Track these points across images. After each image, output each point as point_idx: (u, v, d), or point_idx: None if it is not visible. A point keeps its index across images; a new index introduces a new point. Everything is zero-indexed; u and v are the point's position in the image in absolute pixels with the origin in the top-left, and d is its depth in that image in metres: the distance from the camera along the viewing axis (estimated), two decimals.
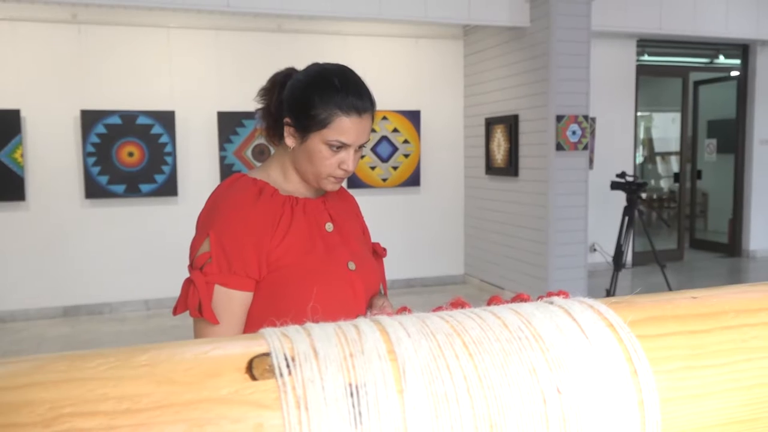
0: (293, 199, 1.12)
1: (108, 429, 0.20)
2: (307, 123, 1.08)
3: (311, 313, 1.00)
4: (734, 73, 7.09)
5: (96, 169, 4.96)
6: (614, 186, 5.03)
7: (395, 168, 5.66)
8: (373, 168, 5.60)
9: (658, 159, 9.84)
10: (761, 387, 0.27)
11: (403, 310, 0.29)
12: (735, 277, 6.50)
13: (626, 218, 5.02)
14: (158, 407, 0.21)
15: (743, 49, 6.85)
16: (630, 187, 4.92)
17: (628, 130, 6.37)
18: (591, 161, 5.78)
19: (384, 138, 5.60)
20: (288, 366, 0.23)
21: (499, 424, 0.24)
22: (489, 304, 0.30)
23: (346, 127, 1.07)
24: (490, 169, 5.37)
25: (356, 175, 5.50)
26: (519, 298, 0.31)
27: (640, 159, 8.51)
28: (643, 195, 6.09)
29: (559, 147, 4.56)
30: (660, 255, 5.56)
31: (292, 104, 1.10)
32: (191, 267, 1.06)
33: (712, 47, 6.87)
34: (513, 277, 5.18)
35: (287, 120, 1.10)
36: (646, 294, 0.31)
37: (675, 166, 8.64)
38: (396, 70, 5.65)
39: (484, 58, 5.49)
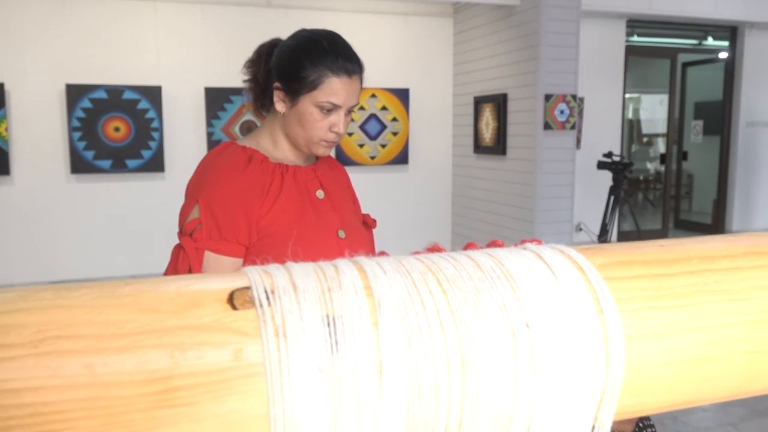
0: (283, 166, 1.12)
1: (93, 351, 0.21)
2: (298, 86, 1.08)
3: (291, 255, 1.01)
4: (722, 55, 7.12)
5: (81, 144, 4.92)
6: (601, 166, 5.06)
7: (383, 146, 5.66)
8: (361, 146, 5.59)
9: (646, 140, 9.89)
10: (720, 327, 0.29)
11: (383, 254, 0.30)
12: None
13: (612, 198, 5.06)
14: (141, 332, 0.22)
15: (732, 31, 6.87)
16: (616, 167, 4.96)
17: (615, 111, 6.39)
18: (578, 141, 5.80)
19: (372, 116, 5.59)
20: (268, 298, 0.24)
21: (470, 355, 0.25)
22: (465, 249, 0.31)
23: (336, 88, 1.08)
24: (478, 147, 5.38)
25: (344, 153, 5.49)
26: (493, 244, 0.32)
27: (628, 141, 8.55)
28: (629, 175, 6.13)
29: (547, 126, 4.57)
30: (645, 235, 5.62)
31: (281, 68, 1.10)
32: (181, 233, 1.06)
33: (701, 29, 6.88)
34: None
35: (277, 85, 1.10)
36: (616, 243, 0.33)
37: (662, 148, 8.69)
38: (385, 47, 5.62)
39: (473, 36, 5.47)
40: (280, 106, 1.10)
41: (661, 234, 6.92)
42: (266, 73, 1.11)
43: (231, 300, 0.24)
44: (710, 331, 0.29)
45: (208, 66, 5.18)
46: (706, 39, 7.07)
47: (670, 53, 7.10)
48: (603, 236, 5.10)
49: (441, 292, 0.26)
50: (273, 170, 1.10)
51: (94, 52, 4.93)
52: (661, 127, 8.75)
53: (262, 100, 1.15)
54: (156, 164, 5.09)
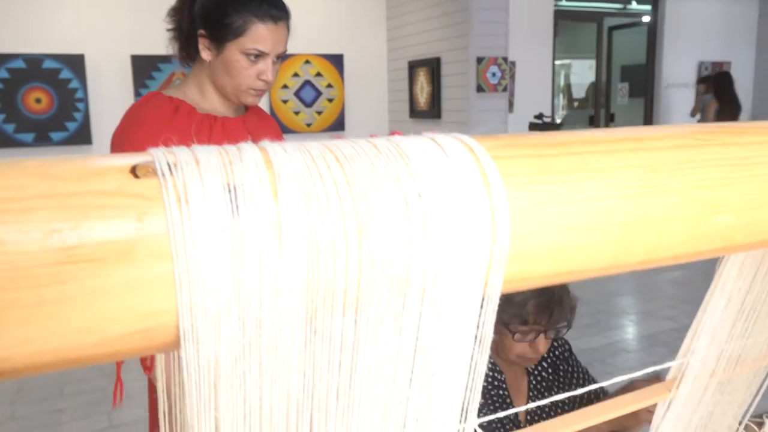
0: (211, 117, 1.11)
1: None
2: (222, 32, 1.06)
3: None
4: (646, 19, 7.35)
5: (0, 117, 4.68)
6: (532, 127, 5.19)
7: (319, 113, 5.62)
8: (297, 113, 5.53)
9: (576, 104, 10.16)
10: (597, 200, 0.32)
11: None
12: None
13: None
14: (44, 196, 0.23)
15: None
16: (546, 127, 5.09)
17: (546, 75, 6.53)
18: (511, 104, 5.91)
19: (307, 83, 5.53)
20: (170, 169, 0.25)
21: (365, 221, 0.27)
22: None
23: (262, 34, 1.07)
24: (414, 112, 5.42)
25: (280, 121, 5.43)
26: (394, 134, 0.34)
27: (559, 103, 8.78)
28: None
29: (479, 89, 4.64)
30: None
31: (205, 15, 1.08)
32: None
33: None
34: None
35: (201, 32, 1.08)
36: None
37: (591, 111, 8.95)
38: (318, 13, 5.55)
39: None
40: (205, 54, 1.09)
41: None
42: (190, 21, 1.09)
43: (134, 170, 0.25)
44: (588, 204, 0.32)
45: (135, 32, 4.99)
46: (630, 3, 7.28)
47: (597, 17, 7.29)
48: None
49: (338, 167, 0.28)
50: (201, 121, 1.08)
51: (8, 18, 4.67)
52: (588, 91, 9.00)
53: (187, 50, 1.13)
54: (82, 136, 4.90)
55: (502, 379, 1.35)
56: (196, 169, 0.25)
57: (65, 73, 4.85)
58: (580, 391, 0.50)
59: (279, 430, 0.28)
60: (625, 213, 0.33)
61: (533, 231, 0.30)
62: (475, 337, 0.32)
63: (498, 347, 1.33)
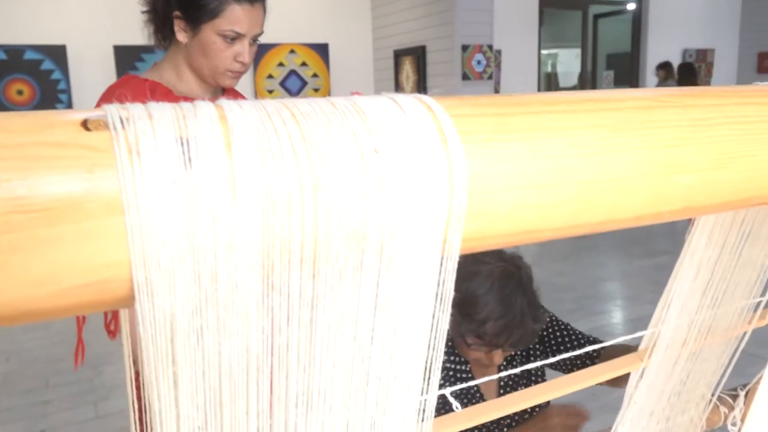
0: (188, 99, 1.10)
1: None
2: (198, 14, 1.05)
3: None
4: (630, 6, 7.37)
5: None
6: None
7: None
8: None
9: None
10: (555, 158, 0.32)
11: None
12: None
13: None
14: None
15: None
16: None
17: (532, 63, 6.54)
18: (497, 92, 5.92)
19: (292, 72, 5.50)
20: (122, 123, 0.25)
21: (321, 175, 0.27)
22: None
23: (238, 15, 1.06)
24: None
25: None
26: (355, 94, 0.34)
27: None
28: None
29: (465, 77, 4.64)
30: None
31: None
32: None
33: None
34: None
35: (177, 14, 1.07)
36: None
37: None
38: (302, 1, 5.51)
39: None
40: (181, 36, 1.08)
41: None
42: (165, 2, 1.08)
43: (85, 124, 0.25)
44: (546, 162, 0.32)
45: (117, 22, 4.94)
46: None
47: (582, 5, 7.29)
48: None
49: (294, 122, 0.28)
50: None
51: None
52: (577, 80, 9.02)
53: (162, 32, 1.12)
54: None
55: (467, 369, 1.30)
56: (148, 123, 0.25)
57: (47, 64, 4.79)
58: (536, 364, 0.51)
59: (239, 386, 0.29)
60: (584, 171, 0.33)
61: (492, 188, 0.31)
62: (437, 295, 0.32)
63: (455, 343, 1.29)
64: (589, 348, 0.59)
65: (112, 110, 0.26)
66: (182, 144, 0.25)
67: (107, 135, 0.25)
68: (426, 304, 0.32)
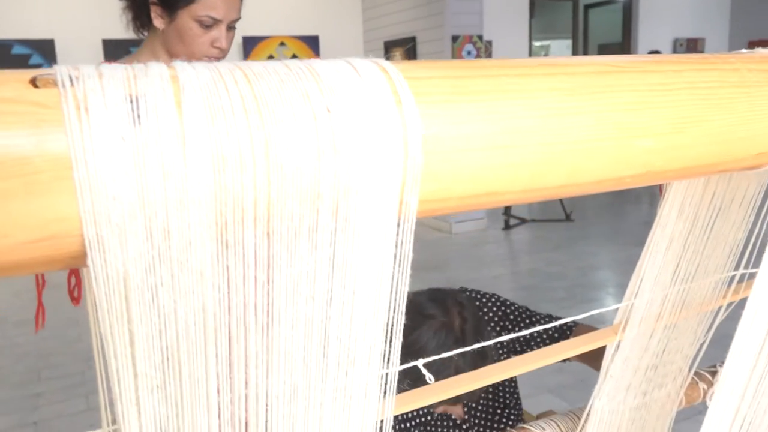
0: None
1: None
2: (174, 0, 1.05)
3: None
4: None
5: None
6: None
7: None
8: None
9: None
10: (514, 119, 0.32)
11: None
12: (623, 192, 6.94)
13: None
14: None
15: None
16: None
17: (523, 54, 6.54)
18: None
19: None
20: (71, 80, 0.25)
21: (272, 134, 0.27)
22: None
23: (214, 1, 1.06)
24: None
25: None
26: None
27: None
28: None
29: None
30: None
31: None
32: None
33: None
34: None
35: (153, 0, 1.07)
36: None
37: None
38: None
39: None
40: (158, 22, 1.08)
41: None
42: None
43: (33, 81, 0.25)
44: (504, 123, 0.32)
45: (106, 16, 4.90)
46: None
47: None
48: None
49: (246, 82, 0.28)
50: None
51: None
52: None
53: (140, 19, 1.12)
54: None
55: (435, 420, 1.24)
56: (97, 81, 0.25)
57: (35, 59, 4.76)
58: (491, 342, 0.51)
59: (197, 345, 0.29)
60: (543, 134, 0.33)
61: (449, 149, 0.31)
62: (395, 257, 0.32)
63: None
64: (550, 325, 0.59)
65: (62, 69, 0.26)
66: (131, 101, 0.25)
67: (56, 92, 0.25)
68: (385, 266, 0.32)
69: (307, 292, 0.31)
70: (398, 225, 0.32)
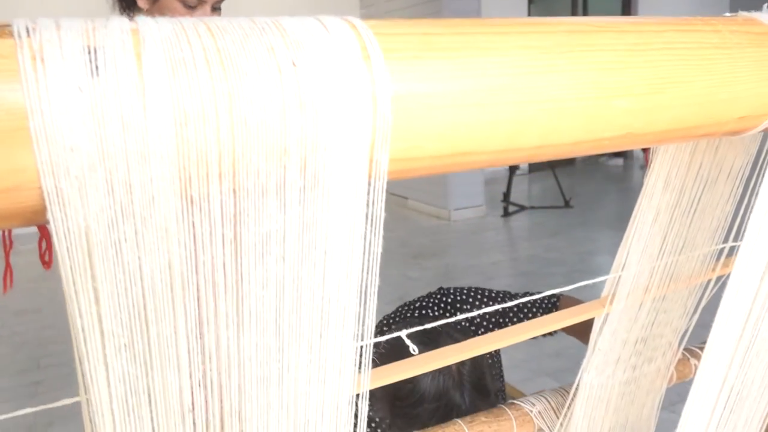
0: None
1: None
2: None
3: None
4: None
5: None
6: None
7: None
8: None
9: None
10: (486, 77, 0.32)
11: None
12: (622, 179, 6.94)
13: None
14: None
15: None
16: None
17: None
18: None
19: None
20: (28, 31, 0.25)
21: (236, 87, 0.27)
22: None
23: None
24: None
25: None
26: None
27: None
28: None
29: None
30: (552, 160, 5.86)
31: None
32: None
33: None
34: (416, 186, 5.32)
35: None
36: None
37: None
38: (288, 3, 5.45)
39: None
40: (141, 2, 1.07)
41: (569, 159, 7.20)
42: None
43: None
44: (476, 80, 0.32)
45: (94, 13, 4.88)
46: None
47: None
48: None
49: (209, 35, 0.27)
50: None
51: None
52: None
53: (125, 1, 1.11)
54: None
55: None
56: (55, 32, 0.25)
57: None
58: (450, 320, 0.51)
59: (164, 303, 0.29)
60: (517, 92, 0.33)
61: (420, 106, 0.30)
62: (367, 216, 0.32)
63: None
64: (532, 297, 0.59)
65: (19, 21, 0.25)
66: (89, 52, 0.25)
67: (11, 42, 0.24)
68: (357, 226, 0.32)
69: (278, 252, 0.30)
70: (369, 184, 0.31)
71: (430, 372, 1.03)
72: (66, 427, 2.37)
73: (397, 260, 4.23)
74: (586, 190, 6.14)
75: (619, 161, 7.22)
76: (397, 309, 1.17)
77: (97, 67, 0.25)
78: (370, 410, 1.08)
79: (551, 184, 5.71)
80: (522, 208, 5.36)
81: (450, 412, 0.96)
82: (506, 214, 5.25)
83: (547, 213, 5.31)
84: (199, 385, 0.32)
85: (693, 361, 0.83)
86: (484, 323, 1.17)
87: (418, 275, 3.97)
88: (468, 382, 0.98)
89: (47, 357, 2.94)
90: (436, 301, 1.16)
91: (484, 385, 1.00)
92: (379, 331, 1.16)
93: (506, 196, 5.31)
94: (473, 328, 1.21)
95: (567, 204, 5.35)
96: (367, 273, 0.33)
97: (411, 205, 5.38)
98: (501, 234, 4.90)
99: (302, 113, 0.28)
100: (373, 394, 1.06)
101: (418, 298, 1.18)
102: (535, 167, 6.82)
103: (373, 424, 1.08)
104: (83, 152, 0.24)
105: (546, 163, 5.81)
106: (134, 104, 0.25)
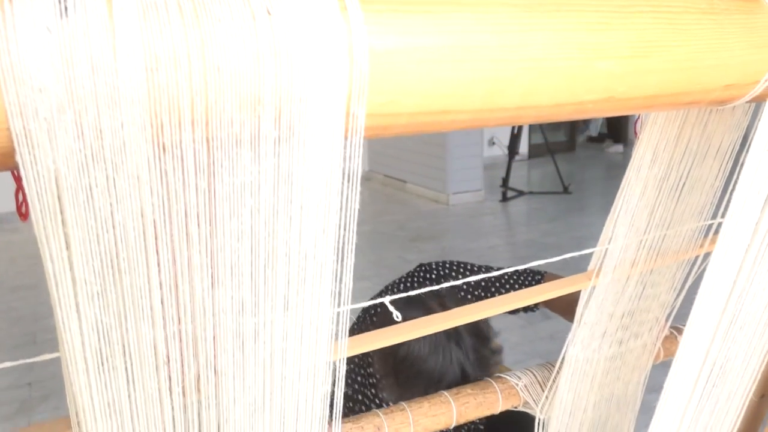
0: None
1: None
2: None
3: None
4: None
5: None
6: None
7: None
8: None
9: None
10: (466, 33, 0.32)
11: None
12: (621, 166, 6.93)
13: None
14: None
15: None
16: None
17: None
18: None
19: None
20: None
21: (209, 33, 0.26)
22: None
23: None
24: None
25: None
26: None
27: None
28: None
29: None
30: (552, 146, 5.84)
31: None
32: None
33: None
34: (415, 170, 5.31)
35: None
36: None
37: None
38: None
39: None
40: None
41: (568, 145, 7.19)
42: None
43: None
44: (456, 36, 0.31)
45: None
46: None
47: None
48: (513, 146, 5.27)
49: None
50: None
51: None
52: None
53: None
54: None
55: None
56: None
57: None
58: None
59: (137, 253, 0.29)
60: (497, 50, 0.33)
61: (397, 60, 0.30)
62: (344, 171, 0.32)
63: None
64: (514, 268, 0.59)
65: None
66: None
67: None
68: (333, 180, 0.32)
69: (252, 204, 0.30)
70: (347, 139, 0.31)
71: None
72: (61, 400, 2.38)
73: (395, 243, 4.23)
74: (585, 176, 6.14)
75: (619, 148, 7.20)
76: (380, 291, 1.17)
77: (66, 8, 0.24)
78: (371, 368, 1.11)
79: (550, 170, 5.70)
80: (521, 193, 5.36)
81: (451, 364, 0.94)
82: (505, 199, 5.24)
83: (545, 198, 5.31)
84: (174, 338, 0.32)
85: (680, 338, 0.83)
86: (469, 297, 1.17)
87: (415, 258, 3.97)
88: (463, 329, 0.97)
89: (43, 332, 2.95)
90: (419, 278, 1.16)
91: (480, 330, 0.99)
92: (367, 314, 1.16)
93: (505, 181, 5.30)
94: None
95: (566, 190, 5.35)
96: (345, 230, 0.33)
97: (409, 188, 5.38)
98: (499, 218, 4.90)
99: (277, 62, 0.28)
100: (374, 356, 1.07)
101: (399, 278, 1.17)
102: (534, 153, 6.81)
103: (373, 380, 1.10)
104: (51, 93, 0.24)
105: (546, 148, 5.79)
106: (104, 47, 0.25)
